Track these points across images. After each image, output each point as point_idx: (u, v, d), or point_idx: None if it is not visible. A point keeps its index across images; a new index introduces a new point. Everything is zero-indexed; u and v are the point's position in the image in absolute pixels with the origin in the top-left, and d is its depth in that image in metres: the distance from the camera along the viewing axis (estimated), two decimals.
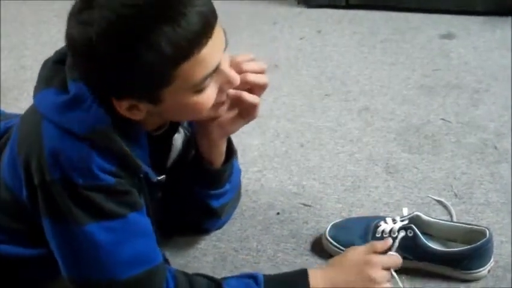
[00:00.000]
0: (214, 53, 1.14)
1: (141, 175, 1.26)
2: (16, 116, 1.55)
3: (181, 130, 1.43)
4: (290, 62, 2.27)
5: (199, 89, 1.17)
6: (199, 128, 1.38)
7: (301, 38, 2.41)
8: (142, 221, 1.27)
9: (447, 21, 2.47)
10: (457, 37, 2.39)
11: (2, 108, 1.73)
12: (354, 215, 1.64)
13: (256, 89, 1.31)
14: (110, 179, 1.20)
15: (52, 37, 2.43)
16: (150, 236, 1.28)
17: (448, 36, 2.40)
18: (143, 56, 1.08)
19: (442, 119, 1.98)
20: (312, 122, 1.99)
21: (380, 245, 1.44)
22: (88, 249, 1.22)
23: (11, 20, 2.55)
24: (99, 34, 1.08)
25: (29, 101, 2.01)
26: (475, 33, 2.41)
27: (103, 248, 1.22)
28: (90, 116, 1.18)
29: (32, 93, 2.06)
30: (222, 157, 1.43)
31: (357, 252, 1.42)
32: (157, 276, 1.28)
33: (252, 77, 1.30)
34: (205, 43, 1.12)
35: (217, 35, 1.14)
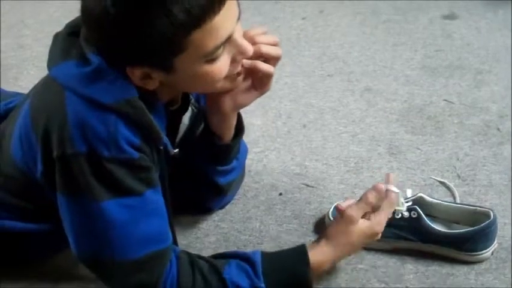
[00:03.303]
0: (226, 21, 1.15)
1: (161, 147, 1.26)
2: (16, 94, 1.54)
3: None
4: (292, 42, 2.25)
5: (211, 58, 1.17)
6: (211, 101, 1.37)
7: (303, 18, 2.39)
8: (157, 199, 1.27)
9: (450, 2, 2.45)
10: (459, 18, 2.37)
11: (2, 87, 1.72)
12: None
13: (270, 60, 1.31)
14: (135, 153, 1.20)
15: (51, 16, 2.41)
16: (163, 216, 1.28)
17: (451, 16, 2.38)
18: (156, 23, 1.09)
19: (445, 100, 1.97)
20: (314, 102, 1.98)
21: (371, 196, 1.34)
22: (102, 226, 1.22)
23: None
24: (114, 1, 1.09)
25: (29, 80, 2.03)
26: (477, 14, 2.39)
27: (117, 226, 1.22)
28: (117, 87, 1.18)
29: (31, 72, 2.09)
30: (232, 132, 1.42)
31: (358, 220, 1.33)
32: (165, 256, 1.28)
33: (266, 49, 1.29)
34: (218, 11, 1.12)
35: (230, 4, 1.15)
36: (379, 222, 1.35)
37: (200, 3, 1.10)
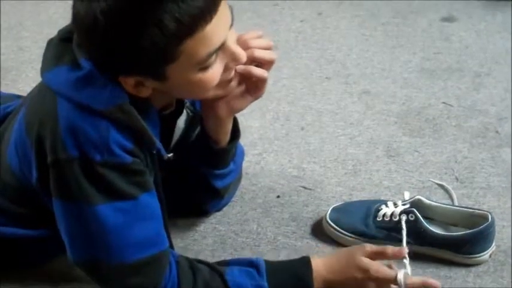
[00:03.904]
0: (219, 30, 1.14)
1: (154, 152, 1.26)
2: (14, 97, 1.54)
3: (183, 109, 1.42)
4: (290, 44, 2.25)
5: (204, 66, 1.17)
6: (206, 106, 1.36)
7: (301, 20, 2.39)
8: (152, 203, 1.26)
9: (448, 4, 2.45)
10: (458, 20, 2.37)
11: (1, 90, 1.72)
12: (354, 199, 1.64)
13: (263, 65, 1.30)
14: (127, 157, 1.20)
15: (51, 17, 2.41)
16: (158, 219, 1.28)
17: (450, 19, 2.38)
18: (147, 32, 1.09)
19: (444, 103, 1.97)
20: (313, 104, 1.97)
21: (391, 252, 1.36)
22: (97, 230, 1.22)
23: None
24: (103, 10, 1.09)
25: (27, 83, 2.03)
26: (476, 17, 2.39)
27: (112, 230, 1.22)
28: (108, 92, 1.17)
29: (30, 75, 2.09)
30: (228, 136, 1.42)
31: (365, 254, 1.35)
32: (162, 260, 1.28)
33: (259, 53, 1.28)
34: (210, 20, 1.11)
35: (223, 12, 1.14)
36: (377, 269, 1.33)
37: (191, 12, 1.09)
